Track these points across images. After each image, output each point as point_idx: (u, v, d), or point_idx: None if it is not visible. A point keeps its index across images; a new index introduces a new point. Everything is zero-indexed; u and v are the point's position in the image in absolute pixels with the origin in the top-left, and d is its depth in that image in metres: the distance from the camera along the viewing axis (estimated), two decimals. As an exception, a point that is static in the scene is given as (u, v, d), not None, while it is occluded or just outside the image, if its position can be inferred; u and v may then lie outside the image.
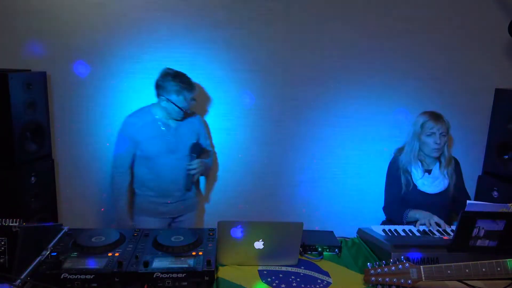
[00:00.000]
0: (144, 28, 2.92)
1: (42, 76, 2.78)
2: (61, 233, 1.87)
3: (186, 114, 2.68)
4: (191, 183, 2.71)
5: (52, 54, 2.89)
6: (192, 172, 2.66)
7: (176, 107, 2.58)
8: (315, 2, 3.00)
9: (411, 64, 3.12)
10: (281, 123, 3.16)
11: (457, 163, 2.66)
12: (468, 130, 3.19)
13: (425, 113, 2.60)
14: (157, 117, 2.65)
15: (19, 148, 2.61)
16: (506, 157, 2.96)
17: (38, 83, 2.73)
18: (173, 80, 2.55)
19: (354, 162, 3.25)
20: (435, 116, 2.55)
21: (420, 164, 2.59)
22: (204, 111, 3.10)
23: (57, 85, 2.95)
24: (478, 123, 3.19)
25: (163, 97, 2.58)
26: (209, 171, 3.02)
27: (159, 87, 2.59)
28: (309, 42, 3.04)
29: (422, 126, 2.54)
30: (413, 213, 2.42)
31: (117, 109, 3.01)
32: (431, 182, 2.56)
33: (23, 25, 2.84)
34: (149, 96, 3.00)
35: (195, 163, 2.66)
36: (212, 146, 3.09)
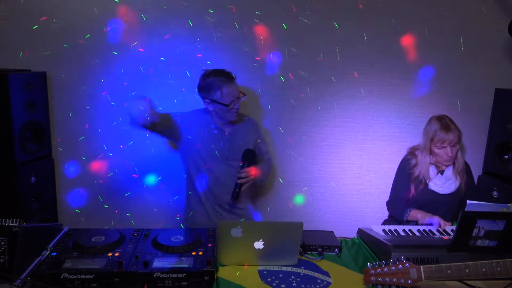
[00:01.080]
0: (144, 28, 2.92)
1: (42, 76, 2.78)
2: (61, 233, 1.87)
3: (240, 116, 2.55)
4: (237, 192, 2.52)
5: (52, 54, 2.89)
6: (239, 181, 2.49)
7: (223, 106, 2.47)
8: (315, 2, 3.00)
9: (411, 64, 3.11)
10: (281, 123, 3.16)
11: (467, 165, 2.65)
12: (468, 130, 3.17)
13: (435, 121, 2.51)
14: (211, 119, 2.58)
15: (19, 148, 2.61)
16: (506, 157, 2.96)
17: (38, 83, 2.73)
18: (209, 77, 2.48)
19: (354, 162, 3.25)
20: (446, 127, 2.45)
21: (433, 165, 2.56)
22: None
23: (57, 85, 2.95)
24: (478, 123, 3.19)
25: (207, 100, 2.51)
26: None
27: (201, 89, 2.53)
28: (309, 42, 3.04)
29: (432, 139, 2.47)
30: (414, 213, 2.42)
31: (117, 109, 3.01)
32: (443, 183, 2.55)
33: (23, 25, 2.84)
34: (148, 96, 2.99)
35: (244, 172, 2.50)
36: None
